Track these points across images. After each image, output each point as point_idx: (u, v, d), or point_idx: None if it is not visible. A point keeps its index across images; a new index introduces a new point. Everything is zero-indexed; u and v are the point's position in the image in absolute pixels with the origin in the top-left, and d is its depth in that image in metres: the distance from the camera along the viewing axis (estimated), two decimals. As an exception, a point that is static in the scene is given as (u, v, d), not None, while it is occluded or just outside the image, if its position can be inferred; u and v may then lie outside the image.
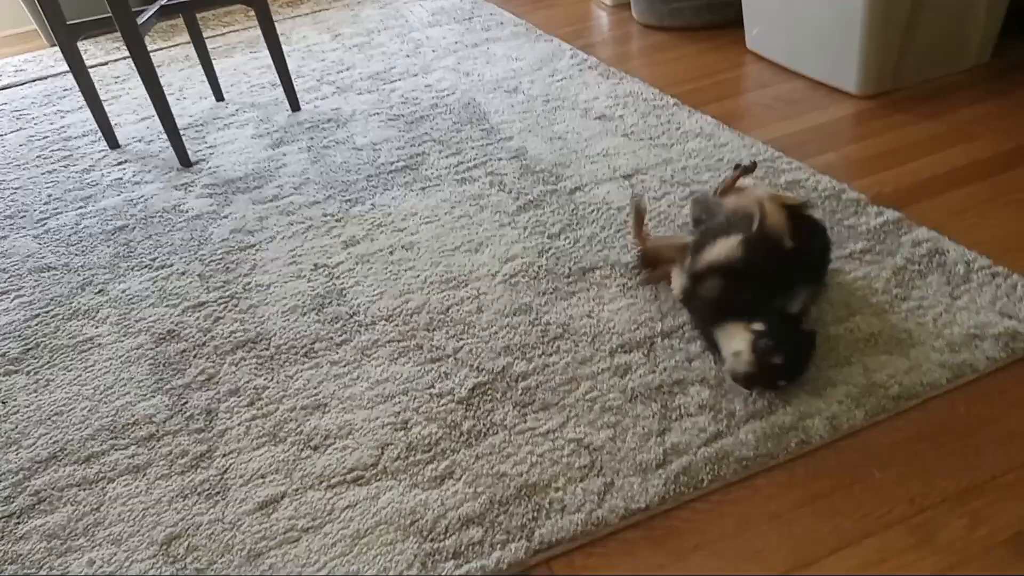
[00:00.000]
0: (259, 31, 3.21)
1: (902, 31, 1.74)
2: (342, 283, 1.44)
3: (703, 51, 2.30)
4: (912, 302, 1.15)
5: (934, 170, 1.51)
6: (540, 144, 1.85)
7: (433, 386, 1.15)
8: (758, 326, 1.00)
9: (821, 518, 0.88)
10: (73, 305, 1.50)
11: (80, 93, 2.76)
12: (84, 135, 2.41)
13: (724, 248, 1.09)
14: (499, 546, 0.89)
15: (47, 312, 1.49)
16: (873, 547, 0.84)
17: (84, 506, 1.04)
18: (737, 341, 1.01)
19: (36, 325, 1.46)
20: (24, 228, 1.86)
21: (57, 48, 3.45)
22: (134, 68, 2.99)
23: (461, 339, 1.24)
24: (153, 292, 1.50)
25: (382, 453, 1.04)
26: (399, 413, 1.11)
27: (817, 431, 0.97)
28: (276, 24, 2.20)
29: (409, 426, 1.08)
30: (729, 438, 0.97)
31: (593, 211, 1.53)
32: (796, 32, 1.96)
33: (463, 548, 0.89)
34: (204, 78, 2.68)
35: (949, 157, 1.54)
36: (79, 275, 1.61)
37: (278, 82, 2.55)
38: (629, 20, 2.69)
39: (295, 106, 2.31)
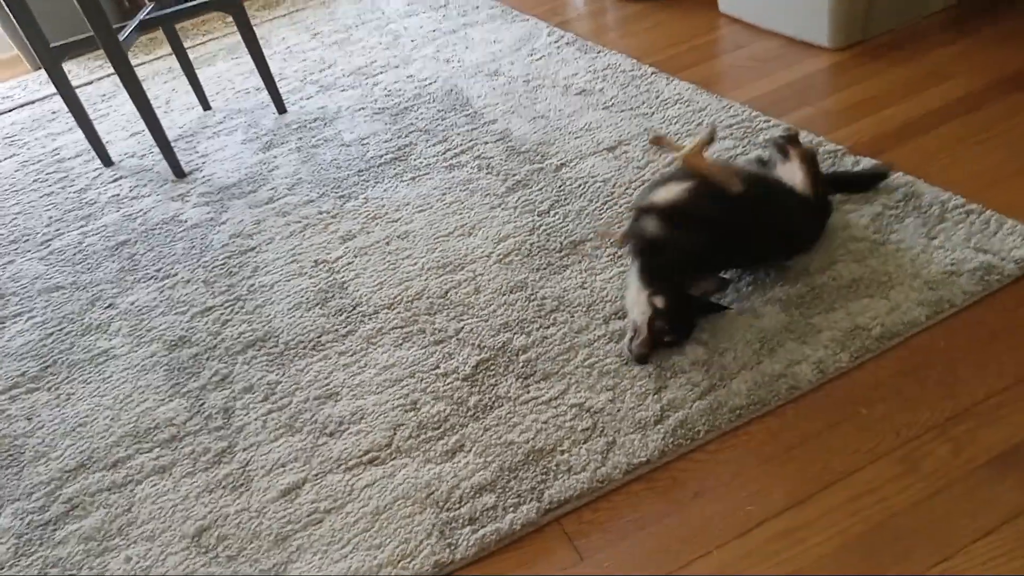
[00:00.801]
0: (239, 37, 3.23)
1: (869, -19, 1.77)
2: (343, 277, 1.48)
3: (677, 18, 2.32)
4: (891, 246, 1.19)
5: (908, 115, 1.54)
6: (524, 124, 1.88)
7: (438, 366, 1.20)
8: (659, 301, 1.05)
9: (813, 457, 0.93)
10: (85, 321, 1.55)
11: (69, 114, 2.79)
12: (77, 155, 2.45)
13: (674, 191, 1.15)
14: (511, 509, 0.94)
15: (60, 330, 1.54)
16: (863, 479, 0.89)
17: (116, 508, 1.09)
18: (637, 311, 1.07)
19: (52, 343, 1.51)
20: (29, 251, 1.91)
21: (41, 72, 3.48)
22: (119, 85, 3.02)
23: (461, 320, 1.28)
24: (161, 302, 1.55)
25: (395, 433, 1.09)
26: (408, 395, 1.16)
27: (805, 376, 1.02)
28: (255, 28, 2.23)
29: (418, 406, 1.13)
30: (722, 390, 1.02)
31: (580, 185, 1.56)
32: (766, -9, 1.98)
33: (478, 514, 0.94)
34: (189, 88, 2.71)
35: (923, 100, 1.58)
36: (88, 292, 1.66)
37: (262, 86, 2.58)
38: (603, -7, 2.71)
39: (281, 108, 2.34)
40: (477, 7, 2.84)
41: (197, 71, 2.84)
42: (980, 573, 0.77)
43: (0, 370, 1.47)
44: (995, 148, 1.38)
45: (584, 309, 1.23)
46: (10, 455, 1.24)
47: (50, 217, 2.06)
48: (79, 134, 2.59)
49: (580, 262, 1.34)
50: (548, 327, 1.21)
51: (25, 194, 2.25)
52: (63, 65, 2.14)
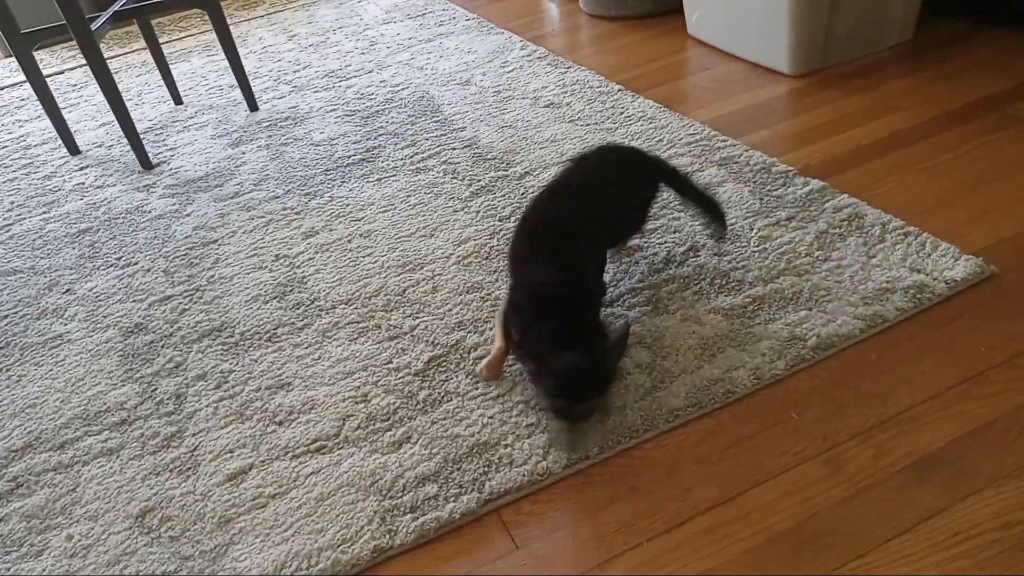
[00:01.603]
0: (214, 35, 3.24)
1: (828, 13, 1.84)
2: (303, 272, 1.50)
3: (647, 38, 2.38)
4: (832, 262, 1.25)
5: (858, 141, 1.61)
6: (492, 133, 1.92)
7: (391, 361, 1.22)
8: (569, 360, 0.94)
9: (744, 458, 0.97)
10: (41, 305, 1.55)
11: (38, 102, 2.78)
12: (44, 143, 2.43)
13: None
14: (452, 499, 0.96)
15: (15, 313, 1.54)
16: (789, 479, 0.93)
17: (61, 488, 1.09)
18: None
19: (5, 326, 1.50)
20: (-12, 235, 1.90)
21: (12, 59, 3.45)
22: (91, 75, 3.01)
23: (417, 318, 1.31)
24: (120, 289, 1.55)
25: (343, 424, 1.11)
26: (359, 387, 1.18)
27: (742, 381, 1.06)
28: (232, 27, 2.24)
29: (369, 398, 1.15)
30: (662, 392, 1.06)
31: (541, 193, 1.60)
32: (732, 17, 2.05)
33: (420, 503, 0.96)
34: (162, 83, 2.71)
35: (873, 129, 1.65)
36: (46, 276, 1.65)
37: (236, 83, 2.59)
38: (578, 11, 2.77)
39: (253, 106, 2.35)
40: (454, 18, 2.88)
41: (172, 66, 2.85)
42: (892, 572, 0.81)
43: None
44: (936, 176, 1.45)
45: (537, 311, 1.26)
46: (-45, 434, 1.24)
47: (12, 202, 2.05)
48: (47, 122, 2.58)
49: (536, 266, 1.37)
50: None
51: (-13, 178, 2.23)
52: (36, 54, 2.13)
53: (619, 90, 2.02)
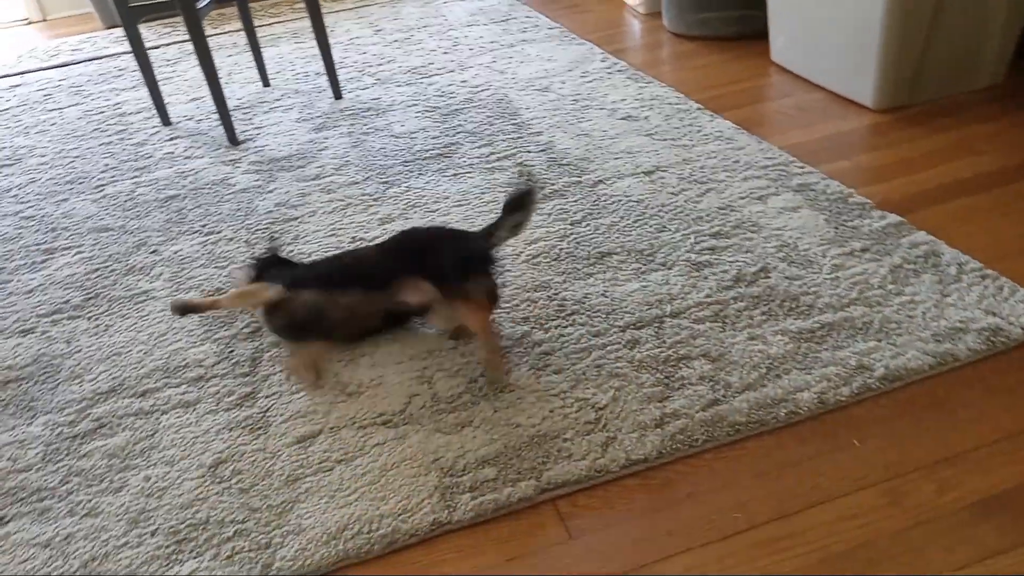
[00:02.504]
0: (304, 23, 3.35)
1: (918, 49, 1.83)
2: (377, 255, 1.55)
3: (729, 60, 2.39)
4: (905, 297, 1.24)
5: (939, 180, 1.59)
6: (567, 140, 1.95)
7: (457, 348, 1.26)
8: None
9: (803, 478, 0.98)
10: (129, 262, 1.63)
11: (134, 73, 2.91)
12: (138, 112, 2.55)
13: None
14: (510, 484, 0.99)
15: (106, 267, 1.62)
16: (847, 504, 0.94)
17: (140, 432, 1.16)
18: None
19: (96, 278, 1.59)
20: (83, 193, 2.00)
21: (111, 31, 3.63)
22: (184, 52, 3.14)
23: (485, 309, 1.34)
24: (203, 255, 1.62)
25: (409, 402, 1.15)
26: (425, 369, 1.22)
27: (806, 404, 1.06)
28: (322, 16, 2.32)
29: (434, 381, 1.19)
30: (724, 405, 1.07)
31: (614, 202, 1.63)
32: (818, 46, 2.05)
33: (478, 484, 1.00)
34: (251, 64, 2.82)
35: (955, 169, 1.63)
36: (135, 236, 1.74)
37: (321, 71, 2.68)
38: (660, 28, 2.79)
39: (337, 94, 2.43)
40: (537, 26, 2.93)
41: (262, 49, 2.95)
42: (946, 604, 0.81)
43: (45, 295, 1.55)
44: (1017, 222, 1.43)
45: (603, 315, 1.28)
46: (47, 372, 1.32)
47: (106, 164, 2.16)
48: (141, 92, 2.70)
49: (605, 272, 1.40)
50: (566, 327, 1.27)
51: (85, 140, 2.36)
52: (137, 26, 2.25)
53: (697, 108, 2.03)
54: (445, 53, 2.75)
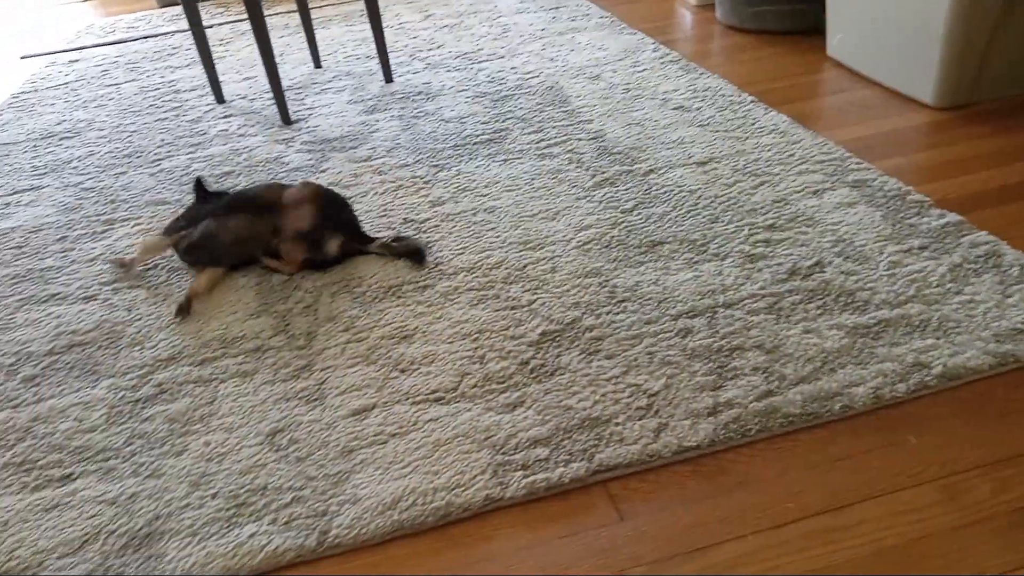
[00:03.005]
0: (354, 6, 3.38)
1: (982, 47, 1.79)
2: (428, 237, 1.57)
3: (783, 54, 2.36)
4: (964, 296, 1.22)
5: (1002, 181, 1.56)
6: (618, 128, 1.95)
7: (508, 329, 1.27)
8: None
9: (857, 471, 0.97)
10: (187, 235, 1.67)
11: (188, 51, 2.97)
12: (192, 89, 2.61)
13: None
14: (562, 464, 1.00)
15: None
16: (902, 499, 0.93)
17: (200, 399, 1.19)
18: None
19: (155, 249, 1.63)
20: (140, 167, 2.05)
21: (165, 9, 3.69)
22: (236, 32, 3.19)
23: (535, 293, 1.35)
24: (258, 230, 1.65)
25: (461, 380, 1.17)
26: (476, 349, 1.23)
27: (861, 398, 1.06)
28: None
29: (485, 361, 1.20)
30: (778, 397, 1.07)
31: (666, 192, 1.62)
32: (877, 42, 2.02)
33: (531, 463, 1.01)
34: (303, 45, 2.86)
35: (1018, 170, 1.59)
36: (191, 210, 1.78)
37: (372, 54, 2.71)
38: (712, 20, 2.76)
39: (388, 78, 2.45)
40: (588, 15, 2.92)
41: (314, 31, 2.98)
42: (1003, 604, 0.81)
43: (107, 265, 1.59)
44: (1084, 225, 1.39)
45: (655, 304, 1.29)
46: (109, 338, 1.36)
47: (162, 140, 2.21)
48: (195, 70, 2.76)
49: (656, 261, 1.40)
50: (617, 313, 1.27)
51: (141, 116, 2.41)
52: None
53: (751, 101, 2.01)
54: (495, 40, 2.76)
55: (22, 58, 3.29)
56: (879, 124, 1.85)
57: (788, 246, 1.40)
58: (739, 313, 1.24)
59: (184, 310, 1.40)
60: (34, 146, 2.27)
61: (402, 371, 1.20)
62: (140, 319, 1.40)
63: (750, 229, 1.46)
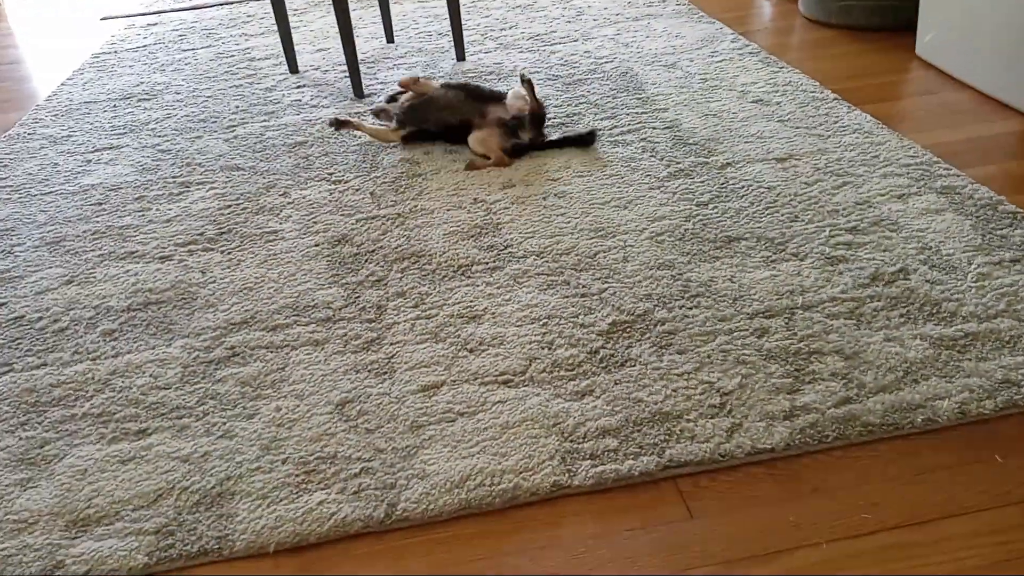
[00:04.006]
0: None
1: (1091, 53, 1.70)
2: (498, 218, 1.56)
3: (868, 51, 2.28)
4: (1060, 314, 1.17)
5: (1102, 196, 1.48)
6: (695, 119, 1.91)
7: (577, 316, 1.26)
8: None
9: (939, 487, 0.94)
10: (260, 202, 1.69)
11: (263, 20, 3.00)
12: (266, 58, 2.64)
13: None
14: (632, 456, 0.99)
15: (238, 204, 1.69)
16: (986, 519, 0.89)
17: (272, 364, 1.21)
18: None
19: (229, 214, 1.66)
20: (215, 132, 2.09)
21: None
22: (311, 3, 3.21)
23: (606, 282, 1.34)
24: (330, 202, 1.67)
25: (530, 364, 1.16)
26: (545, 334, 1.22)
27: (945, 412, 1.02)
28: (456, -25, 2.33)
29: (554, 347, 1.20)
30: (858, 404, 1.04)
31: (743, 187, 1.59)
32: (972, 43, 1.93)
33: (599, 452, 1.00)
34: (375, 20, 2.86)
35: (1121, 186, 1.51)
36: (264, 178, 1.80)
37: (444, 31, 2.70)
38: (793, 12, 2.68)
39: (461, 56, 2.44)
40: (664, 1, 2.86)
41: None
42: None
43: (182, 226, 1.62)
44: None
45: (730, 301, 1.26)
46: (184, 299, 1.39)
47: (236, 106, 2.24)
48: (270, 39, 2.79)
49: (732, 257, 1.37)
50: (691, 308, 1.25)
51: (216, 82, 2.45)
52: (281, -28, 2.31)
53: (834, 98, 1.95)
54: (568, 22, 2.73)
55: (102, 19, 3.37)
56: (970, 129, 1.77)
57: (871, 250, 1.35)
58: (818, 316, 1.21)
59: (339, 124, 1.87)
60: (113, 106, 2.33)
61: (470, 351, 1.20)
62: (214, 281, 1.43)
63: (831, 230, 1.42)
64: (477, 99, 1.85)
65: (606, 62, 2.33)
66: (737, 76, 2.13)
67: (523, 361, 1.17)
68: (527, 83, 1.82)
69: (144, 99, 2.36)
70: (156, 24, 3.17)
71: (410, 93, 1.90)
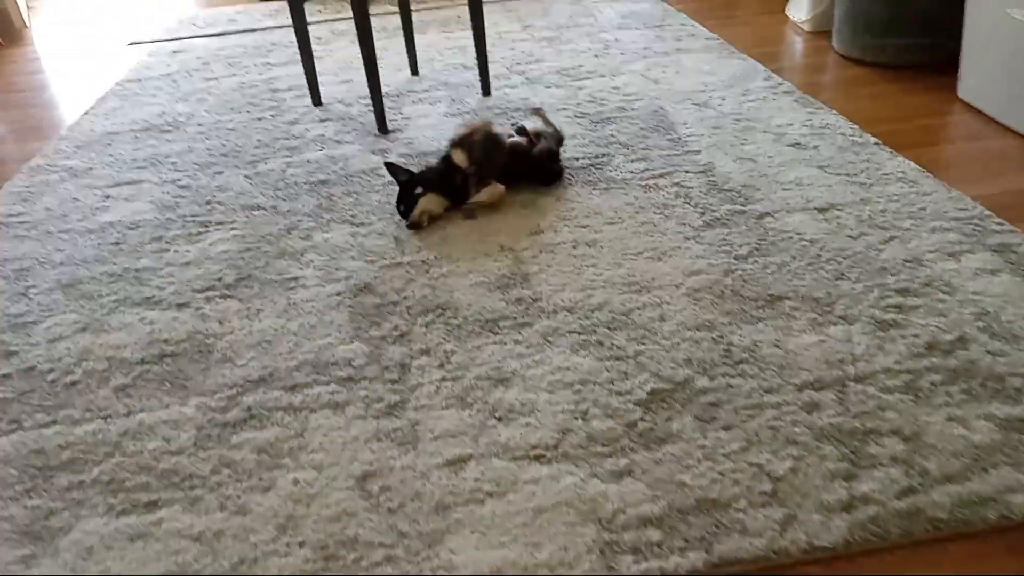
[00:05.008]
0: (452, 12, 3.34)
1: None
2: (527, 268, 1.50)
3: (907, 91, 2.20)
4: None
5: None
6: (729, 162, 1.84)
7: (612, 383, 1.19)
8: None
9: (1016, 597, 0.85)
10: (281, 245, 1.64)
11: (286, 48, 2.97)
12: (290, 89, 2.60)
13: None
14: (677, 551, 0.91)
15: (258, 248, 1.64)
16: (1074, 640, 0.81)
17: (290, 429, 1.14)
18: None
19: (249, 258, 1.60)
20: (237, 167, 2.04)
21: (265, 4, 3.73)
22: (335, 33, 3.19)
23: (642, 343, 1.26)
24: (353, 246, 1.62)
25: (563, 437, 1.09)
26: (579, 403, 1.15)
27: (1020, 508, 0.93)
28: (468, 7, 2.27)
29: (588, 417, 1.12)
30: (922, 496, 0.96)
31: (784, 239, 1.51)
32: (1020, 87, 1.85)
33: (642, 545, 0.92)
34: (400, 51, 2.82)
35: None
36: (286, 219, 1.75)
37: (469, 64, 2.65)
38: (825, 48, 2.62)
39: (486, 90, 2.40)
40: (693, 35, 2.81)
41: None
42: None
43: (200, 269, 1.57)
44: None
45: (776, 369, 1.18)
46: (200, 351, 1.33)
47: (259, 140, 2.20)
48: (293, 69, 2.75)
49: (776, 319, 1.29)
50: (734, 376, 1.18)
51: (239, 113, 2.42)
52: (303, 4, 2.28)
53: (874, 143, 1.87)
54: (596, 56, 2.68)
55: (129, 44, 3.37)
56: (1020, 180, 1.69)
57: (924, 315, 1.27)
58: (872, 389, 1.13)
59: (416, 225, 1.67)
60: (136, 137, 2.30)
61: (499, 419, 1.13)
62: (231, 332, 1.37)
63: (880, 291, 1.34)
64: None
65: (636, 99, 2.27)
66: (772, 117, 2.07)
67: (556, 433, 1.10)
68: (538, 113, 1.92)
69: (166, 130, 2.33)
70: (181, 52, 3.15)
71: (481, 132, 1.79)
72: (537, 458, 1.06)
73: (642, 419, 1.11)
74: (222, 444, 1.13)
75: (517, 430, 1.11)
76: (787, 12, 2.97)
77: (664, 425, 1.10)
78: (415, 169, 1.76)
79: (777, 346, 1.23)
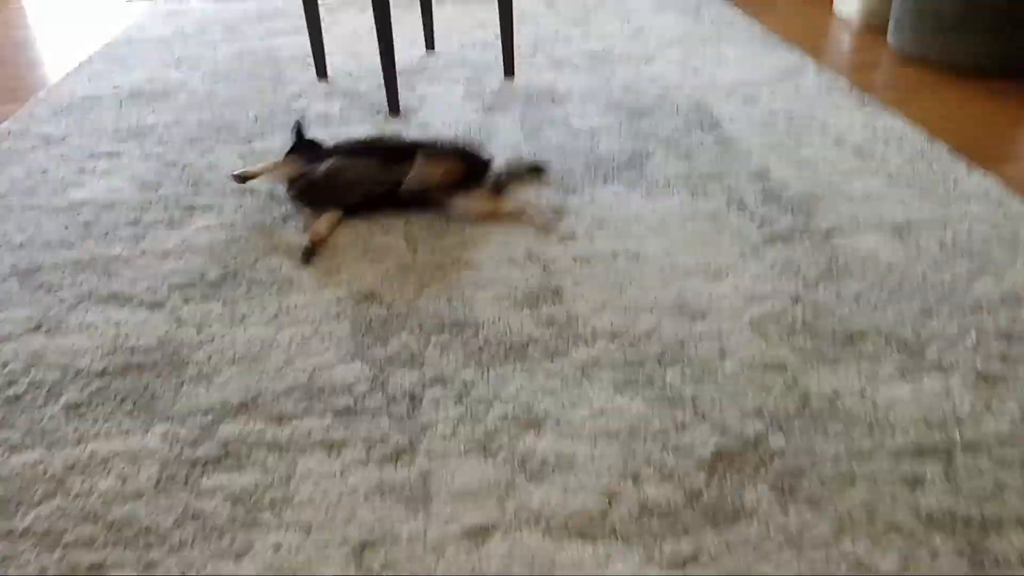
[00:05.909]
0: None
1: None
2: (558, 281, 1.29)
3: (978, 96, 1.99)
4: None
5: None
6: (786, 167, 1.63)
7: (668, 434, 0.98)
8: None
9: None
10: (274, 239, 1.43)
11: (292, 16, 2.74)
12: (293, 59, 2.38)
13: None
14: (763, 677, 0.71)
15: (247, 240, 1.43)
16: None
17: (274, 474, 0.94)
18: None
19: (236, 251, 1.39)
20: (230, 144, 1.82)
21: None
22: (344, 2, 2.95)
23: (700, 384, 1.06)
24: (357, 244, 1.40)
25: (610, 505, 0.88)
26: (628, 459, 0.95)
27: None
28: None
29: (640, 479, 0.92)
30: (1069, 614, 0.76)
31: (856, 263, 1.31)
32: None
33: (716, 665, 0.72)
34: (414, 21, 2.60)
35: None
36: (281, 207, 1.54)
37: (490, 41, 2.43)
38: (879, 44, 2.40)
39: (509, 71, 2.18)
40: (732, 23, 2.59)
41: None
42: None
43: (180, 262, 1.36)
44: None
45: (866, 427, 0.98)
46: (172, 364, 1.12)
47: (256, 116, 1.98)
48: (298, 38, 2.53)
49: (858, 361, 1.09)
50: (815, 434, 0.97)
51: (237, 84, 2.19)
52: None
53: (948, 154, 1.66)
54: (628, 40, 2.46)
55: (128, 1, 3.13)
56: (1122, 205, 1.49)
57: (1038, 369, 1.07)
58: (985, 462, 0.93)
59: (309, 254, 1.35)
60: (120, 104, 2.07)
61: (530, 476, 0.92)
62: (211, 341, 1.16)
63: (978, 334, 1.13)
64: (387, 159, 1.52)
65: (675, 90, 2.05)
66: (828, 118, 1.85)
67: (601, 498, 0.89)
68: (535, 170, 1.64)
69: (154, 98, 2.11)
70: (178, 13, 2.92)
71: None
72: (580, 535, 0.85)
73: (707, 487, 0.91)
74: (189, 489, 0.92)
75: (553, 492, 0.90)
76: (835, 2, 2.74)
77: (735, 496, 0.90)
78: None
79: (863, 397, 1.03)
